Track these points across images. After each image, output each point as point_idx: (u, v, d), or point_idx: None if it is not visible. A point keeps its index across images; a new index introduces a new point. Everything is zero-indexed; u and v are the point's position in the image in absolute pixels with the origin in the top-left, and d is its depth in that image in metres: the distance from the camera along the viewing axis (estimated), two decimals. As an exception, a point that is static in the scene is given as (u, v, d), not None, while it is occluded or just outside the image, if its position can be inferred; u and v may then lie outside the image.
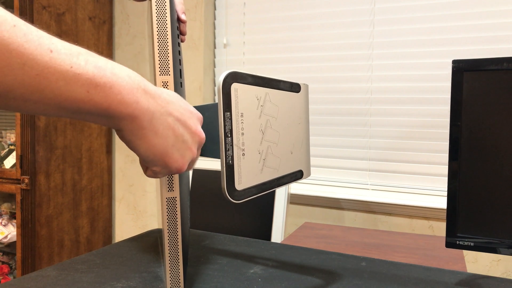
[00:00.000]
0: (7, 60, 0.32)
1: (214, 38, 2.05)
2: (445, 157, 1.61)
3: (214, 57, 2.06)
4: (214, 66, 2.06)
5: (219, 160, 0.53)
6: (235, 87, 0.53)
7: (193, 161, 0.50)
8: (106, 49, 2.16)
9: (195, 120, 0.49)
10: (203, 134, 0.49)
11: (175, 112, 0.45)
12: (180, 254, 0.59)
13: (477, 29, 1.55)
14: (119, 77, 0.39)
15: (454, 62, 0.67)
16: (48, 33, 0.36)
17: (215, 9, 2.04)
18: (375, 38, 1.72)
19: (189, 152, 0.47)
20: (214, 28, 2.04)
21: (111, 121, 0.40)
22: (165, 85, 0.56)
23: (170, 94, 0.46)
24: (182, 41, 0.70)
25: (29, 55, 0.33)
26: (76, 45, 0.38)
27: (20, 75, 0.33)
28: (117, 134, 0.42)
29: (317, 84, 1.81)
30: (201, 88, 1.99)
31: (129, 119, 0.40)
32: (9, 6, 1.92)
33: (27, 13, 1.74)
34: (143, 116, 0.41)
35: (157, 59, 0.56)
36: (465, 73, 0.67)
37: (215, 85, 2.07)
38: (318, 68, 1.81)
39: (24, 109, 0.36)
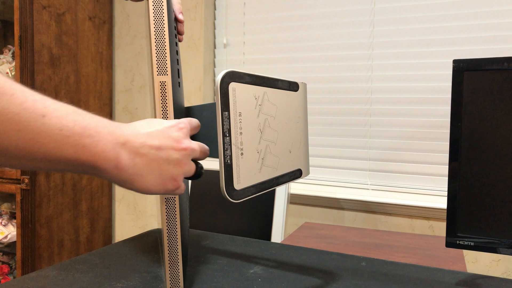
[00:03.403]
0: (4, 128, 0.36)
1: (214, 38, 2.05)
2: (445, 157, 1.61)
3: (214, 57, 2.06)
4: (214, 66, 2.06)
5: (218, 159, 0.53)
6: (233, 86, 0.53)
7: (189, 172, 0.52)
8: (106, 49, 2.16)
9: (176, 134, 0.50)
10: (190, 144, 0.51)
11: (152, 142, 0.48)
12: (180, 254, 0.59)
13: (477, 29, 1.55)
14: (102, 136, 0.43)
15: (455, 62, 0.67)
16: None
17: (215, 9, 2.04)
18: (375, 38, 1.71)
19: (179, 168, 0.50)
20: (214, 28, 2.04)
21: (98, 174, 0.44)
22: (162, 85, 0.56)
23: (143, 126, 0.49)
24: (180, 40, 0.70)
25: (24, 122, 0.37)
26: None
27: (15, 140, 0.37)
28: (109, 181, 0.47)
29: (317, 84, 1.81)
30: (201, 88, 1.99)
31: (114, 171, 0.44)
32: (9, 6, 1.92)
33: (27, 13, 1.74)
34: (126, 167, 0.45)
35: (154, 59, 0.56)
36: (466, 73, 0.66)
37: (215, 85, 2.07)
38: (318, 68, 1.81)
39: (15, 166, 0.40)
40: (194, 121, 0.56)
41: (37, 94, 0.39)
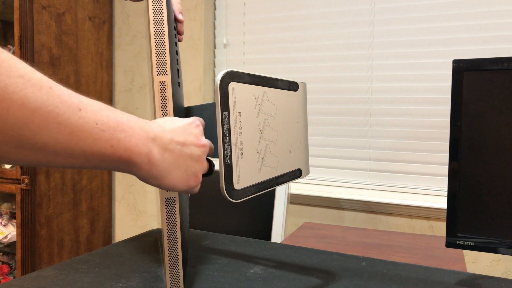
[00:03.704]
0: (46, 121, 0.36)
1: (214, 38, 2.05)
2: (445, 157, 1.61)
3: (214, 57, 2.06)
4: (214, 66, 2.06)
5: (218, 159, 0.53)
6: (233, 86, 0.53)
7: (205, 168, 0.54)
8: (106, 49, 2.16)
9: (195, 131, 0.52)
10: (207, 142, 0.53)
11: (178, 139, 0.49)
12: (180, 254, 0.59)
13: (477, 29, 1.55)
14: (135, 131, 0.44)
15: (455, 62, 0.67)
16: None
17: (215, 9, 2.04)
18: (375, 38, 1.71)
19: (200, 165, 0.52)
20: (214, 28, 2.04)
21: (131, 169, 0.45)
22: (162, 85, 0.56)
23: (167, 122, 0.50)
24: (179, 40, 0.70)
25: (63, 116, 0.37)
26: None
27: (55, 134, 0.37)
28: (138, 178, 0.47)
29: (317, 84, 1.81)
30: (201, 88, 1.99)
31: (147, 167, 0.45)
32: (9, 6, 1.92)
33: (27, 13, 1.74)
34: (157, 162, 0.46)
35: (154, 59, 0.56)
36: (466, 73, 0.66)
37: (214, 85, 2.07)
38: (318, 68, 1.81)
39: (53, 164, 0.39)
40: (202, 120, 0.57)
41: (68, 89, 0.39)
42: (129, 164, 0.44)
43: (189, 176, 0.50)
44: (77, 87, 1.99)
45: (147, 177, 0.47)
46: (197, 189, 0.52)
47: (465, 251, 1.47)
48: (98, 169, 0.44)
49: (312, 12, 1.82)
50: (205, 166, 0.53)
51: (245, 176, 0.55)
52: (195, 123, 0.53)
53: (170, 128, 0.49)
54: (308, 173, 0.67)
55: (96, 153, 0.41)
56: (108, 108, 0.43)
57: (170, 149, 0.48)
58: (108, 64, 2.17)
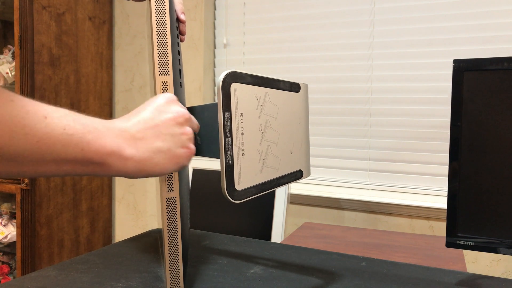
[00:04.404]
0: (12, 133, 0.37)
1: (214, 38, 2.05)
2: (445, 157, 1.61)
3: (214, 57, 2.06)
4: (214, 66, 2.06)
5: (219, 160, 0.53)
6: (235, 87, 0.53)
7: (192, 137, 0.53)
8: (106, 49, 2.16)
9: (169, 107, 0.51)
10: (183, 112, 0.52)
11: (148, 124, 0.48)
12: (180, 254, 0.59)
13: (477, 29, 1.55)
14: (101, 131, 0.44)
15: (455, 62, 0.67)
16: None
17: (215, 9, 2.04)
18: (375, 38, 1.71)
19: (185, 136, 0.51)
20: (214, 28, 2.04)
21: (106, 170, 0.44)
22: (164, 85, 0.56)
23: (132, 114, 0.49)
24: (181, 41, 0.70)
25: (29, 125, 0.38)
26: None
27: (23, 144, 0.37)
28: (123, 176, 0.47)
29: (317, 84, 1.81)
30: (201, 88, 1.99)
31: (121, 164, 0.45)
32: (9, 6, 1.92)
33: (27, 13, 1.74)
34: (130, 155, 0.46)
35: (156, 59, 0.56)
36: (466, 73, 0.67)
37: (215, 85, 2.07)
38: (318, 68, 1.81)
39: (26, 174, 0.40)
40: (174, 96, 0.55)
41: (32, 100, 0.40)
42: (103, 165, 0.44)
43: (177, 152, 0.49)
44: (77, 87, 1.99)
45: (128, 173, 0.46)
46: (189, 159, 0.52)
47: (465, 251, 1.47)
48: (73, 175, 0.44)
49: (312, 12, 1.82)
50: (191, 133, 0.52)
51: (246, 176, 0.55)
52: (166, 98, 0.52)
53: (135, 119, 0.48)
54: (309, 174, 0.67)
55: (68, 159, 0.41)
56: (73, 113, 0.43)
57: (141, 138, 0.47)
58: (108, 64, 2.17)
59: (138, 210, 2.19)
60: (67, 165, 0.41)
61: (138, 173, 0.47)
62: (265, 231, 1.38)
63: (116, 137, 0.45)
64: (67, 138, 0.40)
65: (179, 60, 0.64)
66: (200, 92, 1.99)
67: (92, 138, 0.43)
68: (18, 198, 1.80)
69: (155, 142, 0.48)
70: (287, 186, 1.40)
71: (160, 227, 0.80)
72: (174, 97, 0.53)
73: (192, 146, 0.51)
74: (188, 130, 0.51)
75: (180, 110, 0.51)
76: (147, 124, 0.48)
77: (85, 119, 0.43)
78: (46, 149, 0.39)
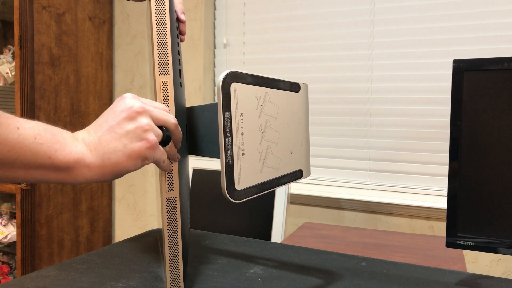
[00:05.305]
0: None
1: (214, 38, 2.05)
2: (445, 157, 1.61)
3: (214, 57, 2.06)
4: (214, 66, 2.06)
5: (219, 160, 0.53)
6: (235, 87, 0.53)
7: (157, 131, 0.52)
8: (106, 49, 2.16)
9: (124, 106, 0.51)
10: (142, 105, 0.51)
11: (103, 129, 0.50)
12: (180, 254, 0.59)
13: (477, 29, 1.55)
14: (67, 140, 0.47)
15: (455, 62, 0.67)
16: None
17: (215, 9, 2.04)
18: (375, 38, 1.71)
19: (141, 129, 0.50)
20: (214, 28, 2.04)
21: (73, 177, 0.47)
22: (164, 85, 0.56)
23: (92, 125, 0.51)
24: (181, 41, 0.70)
25: (2, 136, 0.41)
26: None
27: None
28: (93, 182, 0.50)
29: (317, 84, 1.81)
30: (201, 88, 1.99)
31: (85, 170, 0.48)
32: (9, 6, 1.92)
33: (27, 13, 1.74)
34: (92, 160, 0.48)
35: (156, 59, 0.56)
36: (466, 73, 0.67)
37: (215, 85, 2.07)
38: (318, 68, 1.81)
39: None
40: (133, 95, 0.54)
41: (5, 113, 0.43)
42: (69, 172, 0.47)
43: (134, 147, 0.49)
44: (77, 87, 1.99)
45: (94, 178, 0.48)
46: (157, 155, 0.51)
47: (465, 251, 1.47)
48: (44, 182, 0.47)
49: (312, 12, 1.82)
50: (155, 129, 0.51)
51: (246, 176, 0.55)
52: (119, 100, 0.52)
53: (93, 127, 0.50)
54: (309, 174, 0.67)
55: (37, 165, 0.44)
56: (44, 124, 0.46)
57: (99, 143, 0.49)
58: (108, 64, 2.17)
59: (138, 210, 2.19)
60: (36, 171, 0.45)
61: (103, 176, 0.49)
62: (265, 231, 1.38)
63: (80, 145, 0.48)
64: (37, 147, 0.44)
65: (179, 60, 0.64)
66: (200, 92, 1.99)
67: (60, 147, 0.46)
68: (18, 198, 1.80)
69: (111, 143, 0.49)
70: (287, 186, 1.40)
71: (160, 227, 0.80)
72: (130, 95, 0.53)
73: (151, 137, 0.50)
74: (143, 122, 0.50)
75: (131, 105, 0.51)
76: (102, 128, 0.50)
77: (55, 129, 0.47)
78: (16, 157, 0.42)
